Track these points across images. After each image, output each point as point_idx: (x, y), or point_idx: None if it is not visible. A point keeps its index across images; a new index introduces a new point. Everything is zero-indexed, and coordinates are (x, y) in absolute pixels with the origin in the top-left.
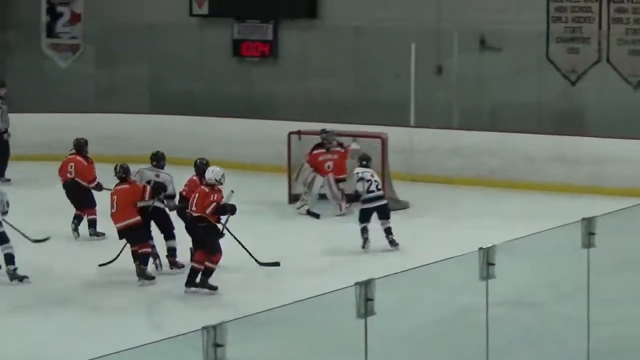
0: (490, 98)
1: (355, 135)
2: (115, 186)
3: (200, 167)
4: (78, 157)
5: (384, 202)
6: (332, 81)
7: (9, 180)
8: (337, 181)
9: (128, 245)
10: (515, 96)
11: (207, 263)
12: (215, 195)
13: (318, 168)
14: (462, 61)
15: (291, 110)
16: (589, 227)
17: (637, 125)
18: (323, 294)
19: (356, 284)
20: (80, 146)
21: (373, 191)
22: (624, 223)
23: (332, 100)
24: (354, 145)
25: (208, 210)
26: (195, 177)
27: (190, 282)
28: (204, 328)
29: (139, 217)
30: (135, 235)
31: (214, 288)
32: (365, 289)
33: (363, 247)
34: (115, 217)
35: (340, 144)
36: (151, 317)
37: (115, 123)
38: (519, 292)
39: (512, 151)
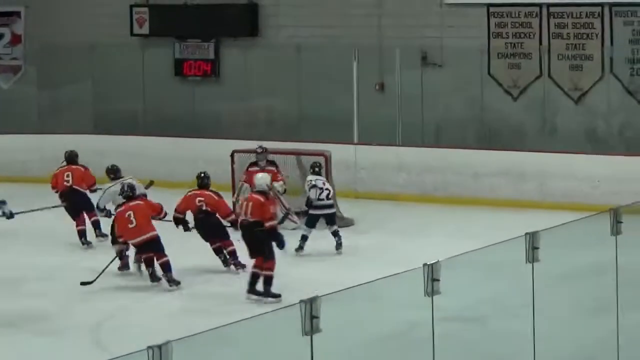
0: (433, 114)
1: (298, 153)
2: (125, 204)
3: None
4: (74, 167)
5: (332, 210)
6: (275, 99)
7: None
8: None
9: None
10: (458, 112)
11: (265, 272)
12: (271, 206)
13: (254, 185)
14: (404, 77)
15: (234, 129)
16: (532, 241)
17: (579, 139)
18: (267, 312)
19: (301, 301)
20: (72, 157)
21: (323, 199)
22: (567, 237)
23: (275, 118)
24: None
25: (270, 224)
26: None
27: (252, 290)
28: (149, 348)
29: (156, 230)
30: (158, 246)
31: (277, 296)
32: (310, 306)
33: (296, 250)
34: (134, 232)
35: (272, 162)
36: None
37: (58, 143)
38: (465, 307)
39: (456, 167)
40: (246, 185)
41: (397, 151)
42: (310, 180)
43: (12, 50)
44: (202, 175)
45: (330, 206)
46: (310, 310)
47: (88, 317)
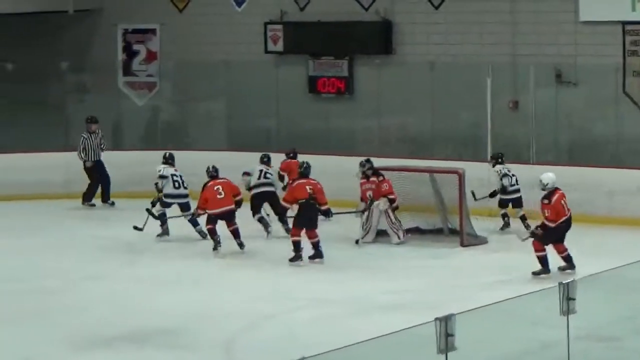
0: (567, 132)
1: (431, 171)
2: (213, 181)
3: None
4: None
5: (519, 194)
6: (407, 116)
7: (112, 203)
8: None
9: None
10: (592, 130)
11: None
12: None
13: (362, 197)
14: (539, 95)
15: (367, 146)
16: None
17: None
18: (402, 329)
19: (436, 319)
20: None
21: (514, 184)
22: None
23: (408, 136)
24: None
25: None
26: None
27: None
28: None
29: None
30: (233, 217)
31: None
32: (446, 324)
33: (501, 229)
34: (223, 202)
35: (377, 173)
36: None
37: (192, 160)
38: (601, 326)
39: (590, 186)
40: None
41: (530, 170)
42: (500, 170)
43: (148, 67)
44: (305, 165)
45: (518, 190)
46: (446, 328)
47: (219, 332)
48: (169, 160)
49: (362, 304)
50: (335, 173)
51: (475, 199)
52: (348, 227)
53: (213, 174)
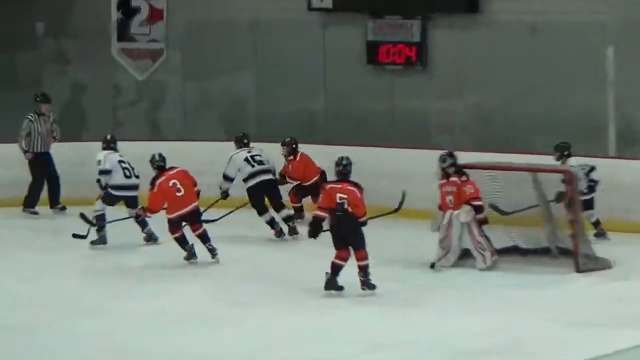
0: None
1: (534, 169)
2: (165, 174)
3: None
4: None
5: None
6: (496, 96)
7: (63, 208)
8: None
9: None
10: None
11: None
12: None
13: (441, 205)
14: None
15: (444, 133)
16: None
17: None
18: None
19: None
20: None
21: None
22: None
23: (497, 120)
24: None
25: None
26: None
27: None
28: None
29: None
30: (199, 216)
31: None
32: None
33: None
34: (185, 200)
35: (459, 171)
36: None
37: (206, 153)
38: None
39: None
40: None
41: None
42: (586, 165)
43: (151, 29)
44: (344, 162)
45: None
46: None
47: None
48: (110, 145)
49: (437, 351)
50: (401, 171)
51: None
52: (419, 246)
53: (160, 164)
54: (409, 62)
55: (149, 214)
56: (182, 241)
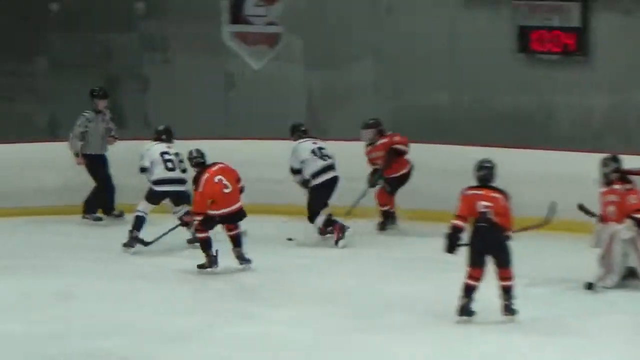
0: None
1: None
2: (208, 170)
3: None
4: None
5: None
6: None
7: (121, 214)
8: None
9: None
10: None
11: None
12: None
13: (602, 216)
14: None
15: (611, 136)
16: None
17: None
18: None
19: None
20: None
21: None
22: None
23: None
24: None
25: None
26: None
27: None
28: None
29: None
30: (242, 217)
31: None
32: None
33: None
34: (231, 198)
35: (623, 178)
36: None
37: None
38: None
39: None
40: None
41: None
42: None
43: (267, 10)
44: (487, 165)
45: None
46: None
47: None
48: (161, 136)
49: None
50: (560, 178)
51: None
52: (574, 264)
53: (199, 160)
54: (567, 51)
55: (196, 218)
56: (208, 244)
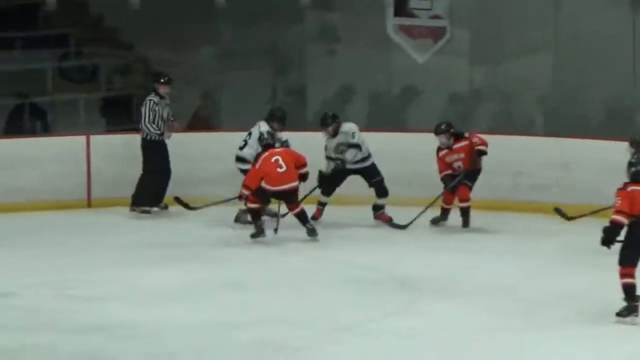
0: None
1: None
2: (270, 150)
3: None
4: None
5: None
6: None
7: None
8: None
9: None
10: None
11: None
12: None
13: None
14: None
15: None
16: None
17: None
18: None
19: None
20: None
21: None
22: None
23: None
24: None
25: None
26: None
27: None
28: None
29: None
30: (295, 197)
31: None
32: None
33: None
34: (284, 177)
35: None
36: None
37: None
38: None
39: None
40: None
41: None
42: None
43: (433, 4)
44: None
45: None
46: None
47: None
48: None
49: None
50: None
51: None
52: None
53: (269, 142)
54: None
55: (244, 191)
56: (258, 214)
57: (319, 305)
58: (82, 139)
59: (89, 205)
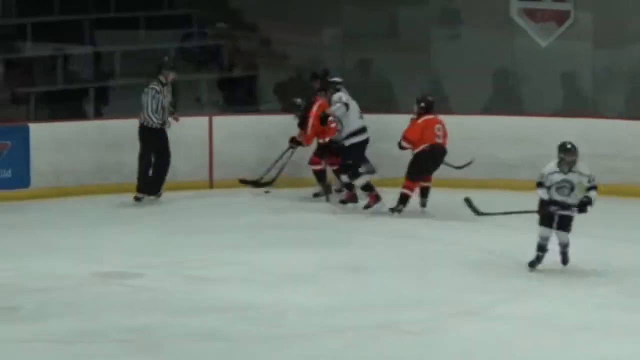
0: None
1: None
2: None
3: None
4: None
5: None
6: None
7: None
8: None
9: None
10: None
11: None
12: None
13: None
14: None
15: None
16: None
17: None
18: None
19: None
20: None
21: None
22: None
23: None
24: None
25: None
26: None
27: None
28: None
29: None
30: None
31: None
32: None
33: None
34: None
35: None
36: None
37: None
38: None
39: None
40: None
41: None
42: None
43: None
44: None
45: None
46: None
47: None
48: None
49: None
50: None
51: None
52: None
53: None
54: None
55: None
56: (323, 174)
57: (443, 289)
58: (204, 120)
59: (211, 186)
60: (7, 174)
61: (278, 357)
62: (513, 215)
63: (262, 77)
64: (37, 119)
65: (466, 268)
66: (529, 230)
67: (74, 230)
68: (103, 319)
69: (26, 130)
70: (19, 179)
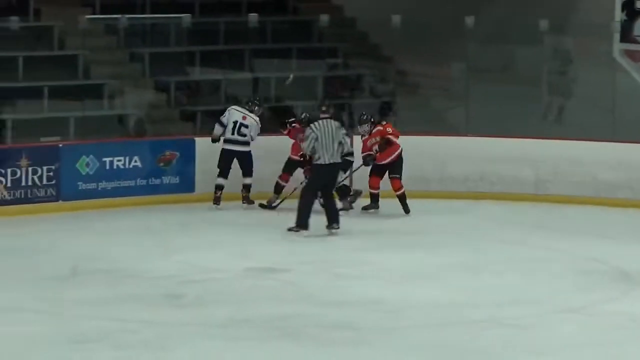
0: None
1: None
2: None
3: None
4: None
5: None
6: None
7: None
8: None
9: None
10: None
11: None
12: None
13: None
14: None
15: None
16: None
17: None
18: None
19: None
20: None
21: None
22: None
23: None
24: None
25: None
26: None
27: None
28: None
29: None
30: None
31: None
32: None
33: None
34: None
35: None
36: None
37: None
38: None
39: None
40: None
41: None
42: None
43: None
44: None
45: None
46: None
47: None
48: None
49: None
50: None
51: None
52: None
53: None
54: None
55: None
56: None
57: (548, 290)
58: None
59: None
60: (176, 180)
61: (397, 345)
62: (615, 228)
63: (398, 103)
64: (202, 133)
65: (569, 272)
66: (632, 242)
67: (230, 230)
68: (253, 307)
69: (192, 143)
70: (186, 184)
